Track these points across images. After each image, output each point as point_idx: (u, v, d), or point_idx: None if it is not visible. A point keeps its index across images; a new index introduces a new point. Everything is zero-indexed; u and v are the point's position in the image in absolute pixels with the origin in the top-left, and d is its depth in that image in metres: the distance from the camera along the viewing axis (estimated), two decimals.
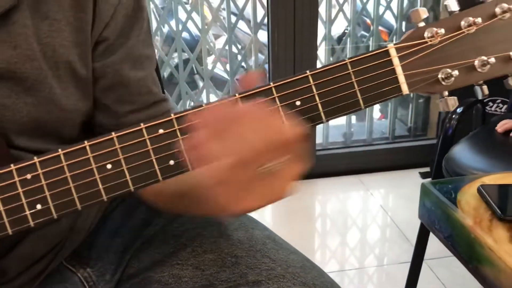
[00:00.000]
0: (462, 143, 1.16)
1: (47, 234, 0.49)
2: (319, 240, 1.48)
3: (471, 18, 0.35)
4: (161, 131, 0.37)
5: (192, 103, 1.75)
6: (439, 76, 0.36)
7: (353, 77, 0.36)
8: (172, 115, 0.37)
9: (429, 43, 0.35)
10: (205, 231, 0.53)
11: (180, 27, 1.60)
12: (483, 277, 0.65)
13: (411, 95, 1.86)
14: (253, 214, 0.66)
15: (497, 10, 0.34)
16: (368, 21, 1.80)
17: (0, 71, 0.42)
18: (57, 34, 0.44)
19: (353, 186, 1.70)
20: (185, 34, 1.72)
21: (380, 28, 1.78)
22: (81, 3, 0.45)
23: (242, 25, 1.71)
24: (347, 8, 1.66)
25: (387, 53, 0.36)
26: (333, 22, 1.69)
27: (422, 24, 0.36)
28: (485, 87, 0.37)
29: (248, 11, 1.62)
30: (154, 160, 0.37)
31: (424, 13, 0.35)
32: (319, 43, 1.64)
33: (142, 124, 0.37)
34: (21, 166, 0.36)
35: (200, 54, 1.66)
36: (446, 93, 0.37)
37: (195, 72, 1.77)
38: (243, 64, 1.71)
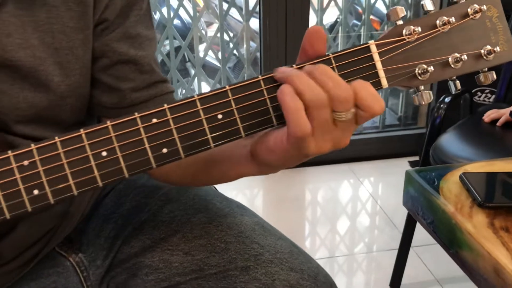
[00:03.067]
0: (449, 132, 1.19)
1: (40, 219, 0.51)
2: (309, 228, 1.50)
3: (445, 17, 0.37)
4: (154, 120, 0.38)
5: (183, 91, 1.76)
6: (416, 71, 0.38)
7: (336, 70, 0.38)
8: (165, 105, 0.38)
9: (407, 40, 0.37)
10: (195, 218, 0.55)
11: (172, 14, 1.60)
12: (462, 261, 0.68)
13: None
14: (243, 202, 0.68)
15: (469, 10, 0.37)
16: (360, 10, 1.81)
17: None
18: (56, 20, 0.45)
19: (344, 174, 1.73)
20: (176, 22, 1.72)
21: (371, 17, 1.79)
22: None
23: (234, 12, 1.71)
24: None
25: (368, 49, 0.38)
26: (325, 10, 1.70)
27: (400, 22, 0.38)
28: (457, 82, 0.39)
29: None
30: (148, 148, 0.38)
31: (402, 11, 0.37)
32: None
33: (136, 114, 0.38)
34: (18, 153, 0.38)
35: (191, 42, 1.66)
36: (422, 87, 0.39)
37: (187, 59, 1.78)
38: (235, 52, 1.72)
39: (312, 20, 1.65)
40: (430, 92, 0.39)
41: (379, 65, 0.38)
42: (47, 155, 0.38)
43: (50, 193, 0.38)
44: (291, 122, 0.36)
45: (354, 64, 0.38)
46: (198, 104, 0.38)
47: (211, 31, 1.98)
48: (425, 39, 0.37)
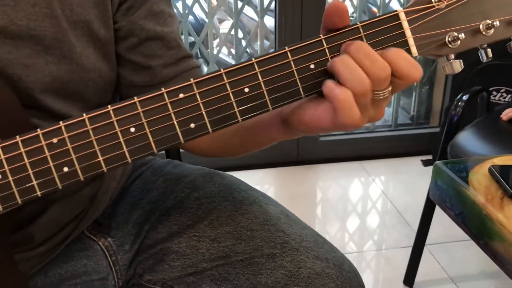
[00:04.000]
0: (467, 130, 1.18)
1: (69, 203, 0.51)
2: (321, 225, 1.50)
3: None
4: (181, 95, 0.38)
5: None
6: (446, 39, 0.37)
7: (365, 39, 0.37)
8: (191, 79, 0.38)
9: (437, 7, 0.37)
10: (221, 205, 0.55)
11: (186, 10, 1.61)
12: (493, 252, 0.67)
13: (415, 84, 1.88)
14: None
15: None
16: (374, 8, 1.81)
17: (20, 29, 0.43)
18: None
19: (356, 172, 1.72)
20: (190, 18, 1.74)
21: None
22: None
23: (246, 10, 1.72)
24: None
25: (396, 17, 0.37)
26: None
27: None
28: (489, 50, 0.38)
29: None
30: (175, 123, 0.38)
31: None
32: None
33: (163, 89, 0.38)
34: (47, 131, 0.38)
35: (205, 38, 1.67)
36: (452, 56, 0.38)
37: (200, 55, 1.78)
38: (248, 49, 1.73)
39: None
40: (461, 60, 0.38)
41: (408, 33, 0.37)
42: (76, 132, 0.38)
43: (80, 170, 0.38)
44: (342, 113, 0.36)
45: (383, 33, 0.37)
46: (225, 77, 0.38)
47: (223, 28, 2.00)
48: (455, 5, 0.37)
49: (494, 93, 1.62)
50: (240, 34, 1.68)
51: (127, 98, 0.38)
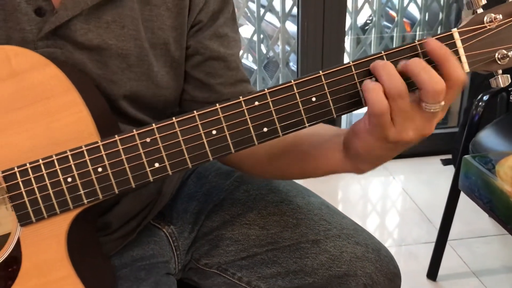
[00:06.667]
0: (488, 129, 1.22)
1: (140, 196, 0.57)
2: None
3: None
4: (256, 103, 0.43)
5: None
6: (496, 56, 0.42)
7: (421, 56, 0.42)
8: (265, 89, 0.44)
9: (488, 27, 0.42)
10: (268, 197, 0.60)
11: None
12: None
13: None
14: None
15: None
16: (391, 12, 1.84)
17: (110, 48, 0.48)
18: (156, 18, 0.50)
19: (377, 171, 1.75)
20: None
21: (403, 19, 1.82)
22: None
23: (267, 15, 1.76)
24: None
25: (451, 36, 0.42)
26: (359, 12, 1.74)
27: (480, 10, 0.42)
28: None
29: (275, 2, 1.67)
30: (251, 127, 0.43)
31: (482, 0, 0.41)
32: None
33: (241, 97, 0.44)
34: (142, 131, 0.43)
35: None
36: (500, 71, 0.43)
37: None
38: (270, 53, 1.77)
39: (347, 21, 1.69)
40: (508, 76, 0.43)
41: (461, 51, 0.42)
42: (166, 133, 0.43)
43: (169, 166, 0.44)
44: (369, 100, 0.40)
45: None
46: (295, 88, 0.43)
47: (243, 33, 2.03)
48: (505, 25, 0.41)
49: None
50: (261, 40, 1.72)
51: (186, 111, 0.43)
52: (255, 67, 1.77)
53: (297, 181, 0.64)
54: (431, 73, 0.39)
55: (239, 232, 0.59)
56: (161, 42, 0.51)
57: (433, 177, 1.69)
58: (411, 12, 1.88)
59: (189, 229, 0.62)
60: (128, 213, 0.57)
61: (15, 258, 0.45)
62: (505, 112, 1.37)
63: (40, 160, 0.44)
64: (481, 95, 1.25)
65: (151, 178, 0.44)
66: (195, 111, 0.43)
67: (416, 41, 0.42)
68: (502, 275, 1.23)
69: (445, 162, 1.78)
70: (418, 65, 0.40)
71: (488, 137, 1.18)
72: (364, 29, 1.82)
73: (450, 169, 1.67)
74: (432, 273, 1.21)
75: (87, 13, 0.47)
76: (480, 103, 1.24)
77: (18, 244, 0.45)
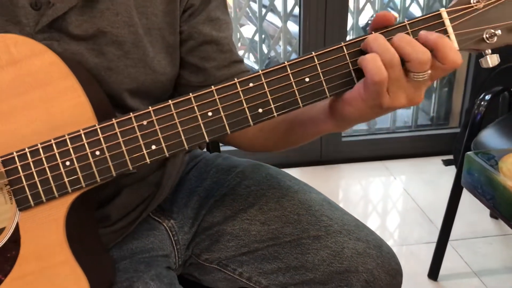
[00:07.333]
0: (490, 128, 1.22)
1: (139, 188, 0.58)
2: None
3: None
4: (251, 84, 0.44)
5: None
6: (484, 35, 0.43)
7: (411, 35, 0.43)
8: (259, 71, 0.44)
9: (475, 7, 0.43)
10: (269, 192, 0.60)
11: None
12: None
13: (434, 85, 1.91)
14: None
15: None
16: (394, 12, 1.85)
17: (106, 35, 0.49)
18: (150, 4, 0.51)
19: (378, 171, 1.76)
20: None
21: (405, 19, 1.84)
22: None
23: (268, 15, 1.78)
24: None
25: (439, 15, 0.43)
26: (361, 12, 1.75)
27: None
28: None
29: (277, 2, 1.69)
30: (246, 108, 0.44)
31: None
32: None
33: (236, 79, 0.44)
34: (139, 114, 0.44)
35: None
36: (489, 51, 0.44)
37: None
38: (272, 53, 1.78)
39: (348, 21, 1.70)
40: (497, 55, 0.43)
41: (450, 30, 0.43)
42: (163, 115, 0.44)
43: (166, 148, 0.44)
44: (370, 69, 0.41)
45: (427, 30, 0.43)
46: (288, 69, 0.44)
47: (244, 32, 2.05)
48: (492, 5, 0.42)
49: None
50: (262, 39, 1.73)
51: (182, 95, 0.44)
52: (256, 67, 1.78)
53: (298, 177, 0.64)
54: (414, 45, 0.41)
55: (240, 227, 0.59)
56: (155, 28, 0.52)
57: (434, 178, 1.69)
58: (413, 12, 1.90)
59: (189, 224, 0.62)
60: (127, 205, 0.57)
61: (14, 243, 0.46)
62: (507, 112, 1.38)
63: (39, 145, 0.45)
64: (483, 94, 1.26)
65: (148, 160, 0.45)
66: (190, 94, 0.44)
67: (405, 21, 0.43)
68: (503, 276, 1.23)
69: (447, 163, 1.77)
70: (402, 40, 0.41)
71: (490, 136, 1.18)
72: (366, 29, 1.83)
73: (452, 170, 1.67)
74: (433, 273, 1.21)
75: (81, 4, 0.48)
76: (482, 103, 1.24)
77: (17, 229, 0.46)
